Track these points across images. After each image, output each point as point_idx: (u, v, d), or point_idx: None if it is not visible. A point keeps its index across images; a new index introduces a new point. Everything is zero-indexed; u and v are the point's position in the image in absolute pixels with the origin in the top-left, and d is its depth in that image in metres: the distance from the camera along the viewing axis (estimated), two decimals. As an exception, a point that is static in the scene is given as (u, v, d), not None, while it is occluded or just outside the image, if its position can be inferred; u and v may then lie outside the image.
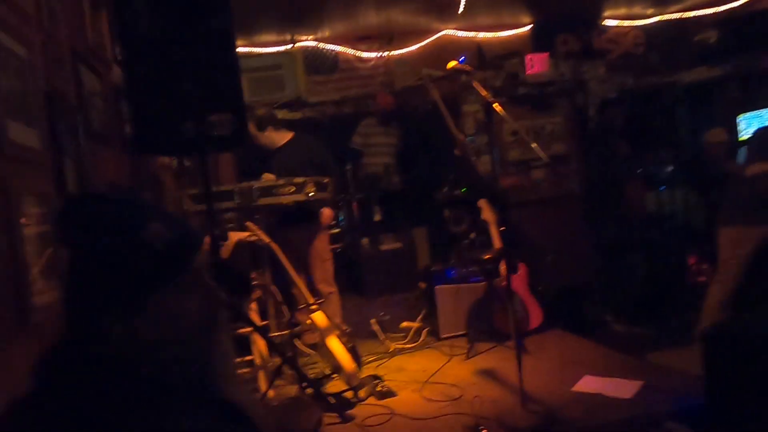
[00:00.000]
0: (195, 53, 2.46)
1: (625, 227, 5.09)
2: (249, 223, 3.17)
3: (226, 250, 3.10)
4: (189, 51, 2.45)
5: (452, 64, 2.96)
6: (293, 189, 3.63)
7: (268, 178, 3.97)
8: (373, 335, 4.51)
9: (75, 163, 1.75)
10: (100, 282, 0.89)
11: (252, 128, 4.26)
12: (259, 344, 3.26)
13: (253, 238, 3.20)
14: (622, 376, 3.02)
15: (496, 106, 2.69)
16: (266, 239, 3.15)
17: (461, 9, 5.55)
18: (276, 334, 3.60)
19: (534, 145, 2.92)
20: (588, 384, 3.01)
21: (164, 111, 2.43)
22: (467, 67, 2.97)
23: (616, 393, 2.84)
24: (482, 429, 2.61)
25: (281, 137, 4.28)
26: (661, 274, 5.36)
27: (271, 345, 2.80)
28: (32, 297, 1.34)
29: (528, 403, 2.78)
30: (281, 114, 5.88)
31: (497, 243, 4.10)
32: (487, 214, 4.31)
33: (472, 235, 4.91)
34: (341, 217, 5.35)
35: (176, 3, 2.44)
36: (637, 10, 6.79)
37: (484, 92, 2.72)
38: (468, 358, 3.81)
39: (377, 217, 5.35)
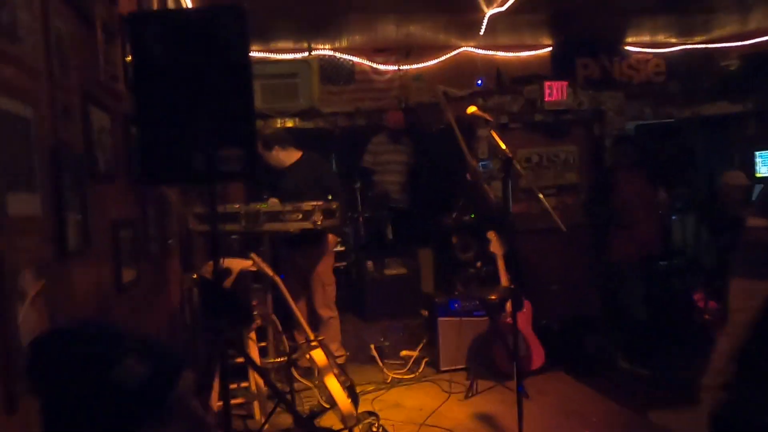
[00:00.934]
0: (209, 85, 2.39)
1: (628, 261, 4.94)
2: (253, 255, 3.11)
3: (229, 280, 3.03)
4: (203, 82, 2.38)
5: (472, 110, 2.87)
6: (300, 216, 3.57)
7: (274, 203, 3.91)
8: (371, 360, 4.46)
9: (78, 216, 1.69)
10: (74, 428, 0.83)
11: (259, 147, 4.19)
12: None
13: (255, 268, 3.14)
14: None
15: (516, 163, 2.61)
16: (270, 272, 3.09)
17: (482, 31, 5.44)
18: (273, 360, 3.55)
19: (551, 210, 2.83)
20: (588, 443, 2.95)
21: (174, 142, 2.37)
22: (487, 116, 2.89)
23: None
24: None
25: (289, 156, 4.21)
26: (666, 310, 5.28)
27: (269, 385, 2.74)
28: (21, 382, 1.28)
29: (526, 462, 2.73)
30: (293, 123, 5.81)
31: (504, 280, 4.03)
32: (496, 247, 4.25)
33: (479, 264, 4.84)
34: (347, 234, 5.26)
35: (193, 34, 2.38)
36: (660, 38, 6.67)
37: (503, 145, 2.64)
38: (467, 397, 3.75)
39: (389, 235, 5.28)
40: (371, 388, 3.98)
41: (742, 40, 6.51)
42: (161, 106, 2.37)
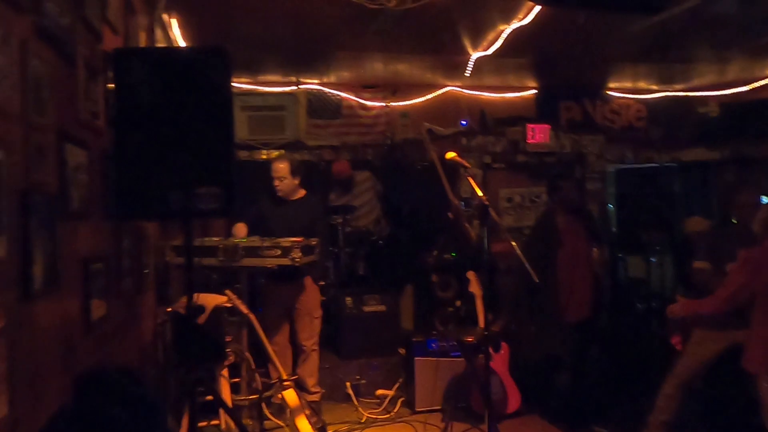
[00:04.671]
0: (190, 123, 2.40)
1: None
2: (228, 292, 3.09)
3: (203, 317, 3.01)
4: (185, 120, 2.39)
5: (451, 155, 2.91)
6: (279, 252, 3.57)
7: (240, 231, 3.94)
8: (347, 399, 4.41)
9: (46, 256, 1.68)
10: None
11: (286, 170, 4.18)
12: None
13: (230, 304, 3.12)
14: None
15: (492, 210, 2.64)
16: (245, 310, 3.07)
17: (468, 73, 5.55)
18: (245, 398, 3.50)
19: (525, 260, 2.86)
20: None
21: (152, 179, 2.37)
22: (465, 163, 2.92)
23: None
24: None
25: (297, 191, 4.24)
26: (643, 353, 5.25)
27: (239, 425, 2.69)
28: None
29: None
30: (278, 155, 5.85)
31: (482, 322, 4.03)
32: (475, 287, 4.25)
33: (458, 303, 4.84)
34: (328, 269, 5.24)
35: (177, 72, 2.40)
36: (642, 85, 6.84)
37: (479, 192, 2.68)
38: (441, 439, 3.71)
39: (361, 272, 5.26)
40: (345, 429, 3.93)
41: (720, 89, 6.69)
42: (141, 142, 2.37)
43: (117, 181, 2.39)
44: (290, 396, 2.96)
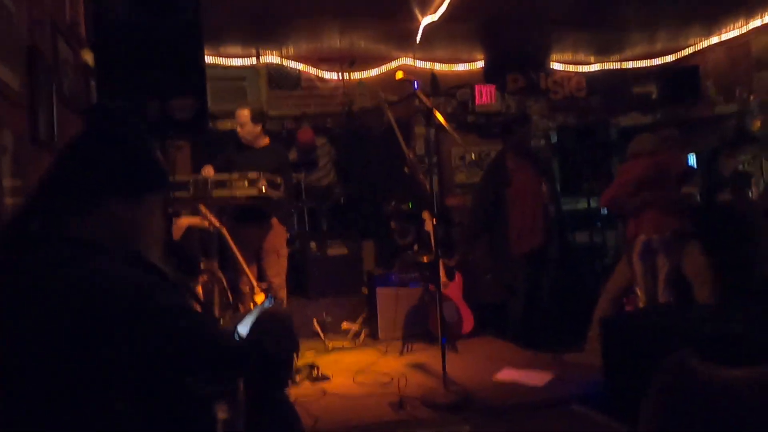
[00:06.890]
0: (163, 40, 2.67)
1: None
2: (201, 206, 3.34)
3: (177, 232, 3.25)
4: (157, 37, 2.66)
5: (400, 75, 3.25)
6: (247, 183, 3.83)
7: (208, 172, 4.17)
8: (314, 335, 4.67)
9: (46, 114, 1.93)
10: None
11: (247, 116, 4.43)
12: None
13: (204, 224, 3.37)
14: (538, 369, 3.30)
15: (436, 112, 2.99)
16: (217, 223, 3.33)
17: (418, 39, 5.92)
18: (219, 317, 3.74)
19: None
20: (507, 374, 3.28)
21: (130, 93, 2.62)
22: (411, 77, 3.27)
23: (530, 381, 3.11)
24: (405, 404, 2.83)
25: (262, 139, 4.48)
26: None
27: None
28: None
29: (449, 386, 3.02)
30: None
31: (433, 245, 4.36)
32: (429, 225, 4.59)
33: (416, 248, 5.17)
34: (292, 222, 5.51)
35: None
36: (581, 56, 7.36)
37: (427, 101, 3.03)
38: (401, 354, 4.03)
39: (324, 226, 5.55)
40: (311, 354, 4.20)
41: (651, 59, 7.26)
42: (117, 59, 2.63)
43: (97, 95, 2.64)
44: (261, 299, 3.22)
